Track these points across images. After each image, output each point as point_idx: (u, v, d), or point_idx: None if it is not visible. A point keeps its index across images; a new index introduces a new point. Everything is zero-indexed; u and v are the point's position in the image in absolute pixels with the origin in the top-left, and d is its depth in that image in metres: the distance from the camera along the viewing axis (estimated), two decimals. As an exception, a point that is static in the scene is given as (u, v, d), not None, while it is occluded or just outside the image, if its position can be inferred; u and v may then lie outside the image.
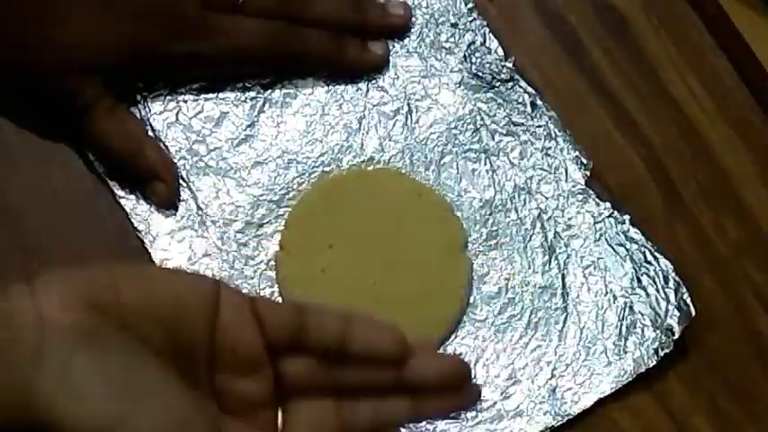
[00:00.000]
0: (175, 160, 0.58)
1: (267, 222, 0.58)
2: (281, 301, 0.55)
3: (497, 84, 0.61)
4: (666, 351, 0.56)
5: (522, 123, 0.60)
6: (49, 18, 0.55)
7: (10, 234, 0.57)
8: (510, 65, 0.61)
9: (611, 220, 0.58)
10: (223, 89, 0.60)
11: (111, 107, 0.57)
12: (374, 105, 0.60)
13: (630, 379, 0.56)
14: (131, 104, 0.59)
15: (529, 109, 0.60)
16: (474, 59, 0.61)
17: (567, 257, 0.58)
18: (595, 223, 0.58)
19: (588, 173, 0.59)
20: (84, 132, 0.57)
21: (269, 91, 0.60)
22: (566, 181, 0.59)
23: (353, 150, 0.60)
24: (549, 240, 0.58)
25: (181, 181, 0.58)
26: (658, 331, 0.56)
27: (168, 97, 0.59)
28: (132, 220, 0.57)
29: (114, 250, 0.58)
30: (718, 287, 0.59)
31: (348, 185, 0.59)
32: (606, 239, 0.58)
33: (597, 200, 0.59)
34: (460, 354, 0.56)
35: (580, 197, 0.59)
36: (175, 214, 0.58)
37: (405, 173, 0.59)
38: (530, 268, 0.58)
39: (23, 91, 0.57)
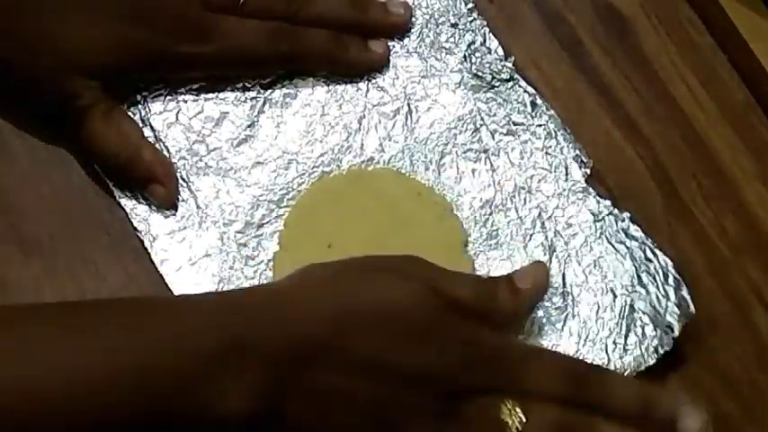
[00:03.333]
0: (175, 160, 0.58)
1: (267, 222, 0.58)
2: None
3: (497, 84, 0.61)
4: (666, 349, 0.56)
5: (522, 123, 0.60)
6: (48, 20, 0.55)
7: (10, 234, 0.57)
8: (510, 65, 0.61)
9: (611, 217, 0.58)
10: (223, 89, 0.60)
11: (108, 110, 0.57)
12: (374, 105, 0.60)
13: (631, 378, 0.56)
14: (131, 104, 0.59)
15: (529, 109, 0.60)
16: (474, 59, 0.61)
17: (568, 256, 0.58)
18: (595, 221, 0.58)
19: (588, 171, 0.59)
20: (82, 135, 0.57)
21: (269, 91, 0.60)
22: (566, 180, 0.59)
23: (353, 150, 0.59)
24: (550, 239, 0.58)
25: (181, 181, 0.58)
26: (658, 329, 0.56)
27: (168, 97, 0.59)
28: (132, 220, 0.57)
29: (114, 250, 0.57)
30: (718, 287, 0.59)
31: (348, 185, 0.59)
32: (606, 237, 0.58)
33: (597, 198, 0.59)
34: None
35: (580, 195, 0.59)
36: (175, 214, 0.58)
37: (404, 173, 0.59)
38: (530, 268, 0.58)
39: (23, 92, 0.57)
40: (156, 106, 0.59)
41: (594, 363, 0.56)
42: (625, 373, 0.56)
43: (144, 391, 0.45)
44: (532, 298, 0.55)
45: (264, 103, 0.60)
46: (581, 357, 0.56)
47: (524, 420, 0.49)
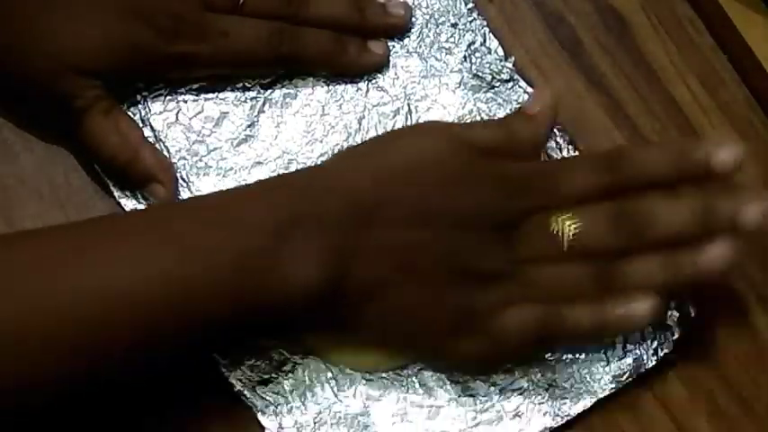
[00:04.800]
0: (175, 160, 0.58)
1: (267, 222, 0.58)
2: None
3: (497, 84, 0.61)
4: (666, 351, 0.56)
5: (522, 123, 0.60)
6: (48, 19, 0.55)
7: (10, 234, 0.57)
8: (510, 65, 0.61)
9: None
10: (223, 89, 0.60)
11: (107, 110, 0.57)
12: (374, 105, 0.60)
13: (630, 379, 0.56)
14: (131, 104, 0.59)
15: (529, 109, 0.60)
16: (474, 59, 0.61)
17: (567, 257, 0.58)
18: (595, 223, 0.58)
19: (588, 173, 0.59)
20: (82, 135, 0.57)
21: (269, 91, 0.60)
22: (566, 181, 0.59)
23: (353, 150, 0.59)
24: (549, 240, 0.58)
25: (181, 181, 0.58)
26: (658, 331, 0.56)
27: (168, 97, 0.59)
28: (132, 220, 0.57)
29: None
30: (718, 287, 0.59)
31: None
32: (606, 239, 0.58)
33: (597, 200, 0.59)
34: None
35: (580, 197, 0.59)
36: (175, 214, 0.58)
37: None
38: (530, 268, 0.58)
39: (22, 92, 0.57)
40: (156, 106, 0.59)
41: (593, 365, 0.56)
42: (624, 376, 0.56)
43: (223, 279, 0.49)
44: (547, 118, 0.56)
45: (264, 103, 0.60)
46: (581, 358, 0.56)
47: (577, 225, 0.52)
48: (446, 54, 0.61)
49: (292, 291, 0.50)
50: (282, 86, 0.60)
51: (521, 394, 0.55)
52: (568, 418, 0.55)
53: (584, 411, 0.55)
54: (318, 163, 0.59)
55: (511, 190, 0.53)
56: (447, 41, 0.62)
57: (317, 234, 0.50)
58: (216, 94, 0.60)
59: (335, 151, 0.59)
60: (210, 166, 0.59)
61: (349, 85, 0.61)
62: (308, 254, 0.50)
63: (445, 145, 0.53)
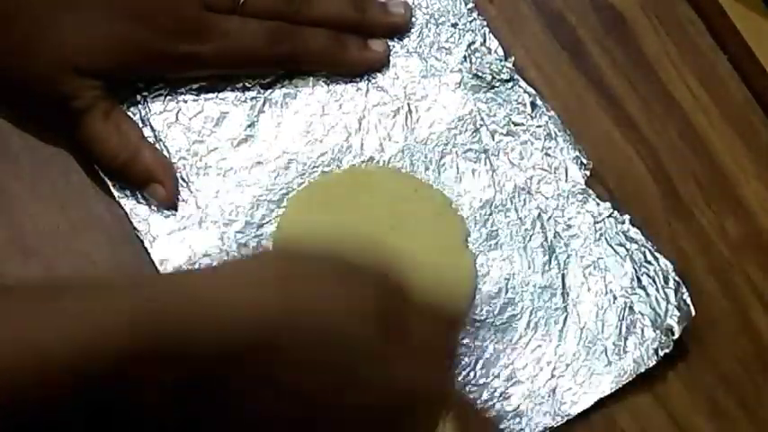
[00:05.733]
0: (175, 160, 0.58)
1: (267, 222, 0.58)
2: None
3: (497, 84, 0.61)
4: (666, 351, 0.56)
5: (522, 123, 0.60)
6: (48, 19, 0.55)
7: (10, 234, 0.57)
8: (510, 65, 0.61)
9: (611, 219, 0.58)
10: (223, 89, 0.60)
11: (108, 110, 0.57)
12: (374, 105, 0.60)
13: (630, 379, 0.56)
14: (131, 104, 0.59)
15: (529, 109, 0.60)
16: (474, 59, 0.61)
17: (567, 257, 0.58)
18: (595, 223, 0.58)
19: (588, 173, 0.59)
20: (82, 135, 0.57)
21: (269, 91, 0.60)
22: (565, 181, 0.59)
23: (353, 150, 0.59)
24: (549, 240, 0.58)
25: (181, 181, 0.58)
26: (658, 331, 0.56)
27: (168, 97, 0.59)
28: (132, 220, 0.57)
29: (114, 250, 0.57)
30: (718, 287, 0.59)
31: (342, 184, 0.59)
32: (606, 239, 0.58)
33: (597, 200, 0.59)
34: (460, 354, 0.56)
35: (580, 197, 0.59)
36: (175, 214, 0.58)
37: (398, 169, 0.59)
38: (530, 268, 0.58)
39: (23, 92, 0.57)
40: (156, 106, 0.59)
41: (593, 365, 0.56)
42: (624, 376, 0.56)
43: (54, 384, 0.38)
44: None
45: (264, 103, 0.60)
46: (581, 358, 0.56)
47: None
48: (446, 54, 0.62)
49: (129, 407, 0.40)
50: (282, 86, 0.60)
51: (521, 394, 0.55)
52: (568, 417, 0.55)
53: (584, 411, 0.55)
54: (318, 163, 0.59)
55: None
56: (447, 41, 0.62)
57: (167, 368, 0.39)
58: (216, 94, 0.60)
59: (335, 151, 0.59)
60: (210, 166, 0.59)
61: (349, 85, 0.61)
62: (148, 389, 0.39)
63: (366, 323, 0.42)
